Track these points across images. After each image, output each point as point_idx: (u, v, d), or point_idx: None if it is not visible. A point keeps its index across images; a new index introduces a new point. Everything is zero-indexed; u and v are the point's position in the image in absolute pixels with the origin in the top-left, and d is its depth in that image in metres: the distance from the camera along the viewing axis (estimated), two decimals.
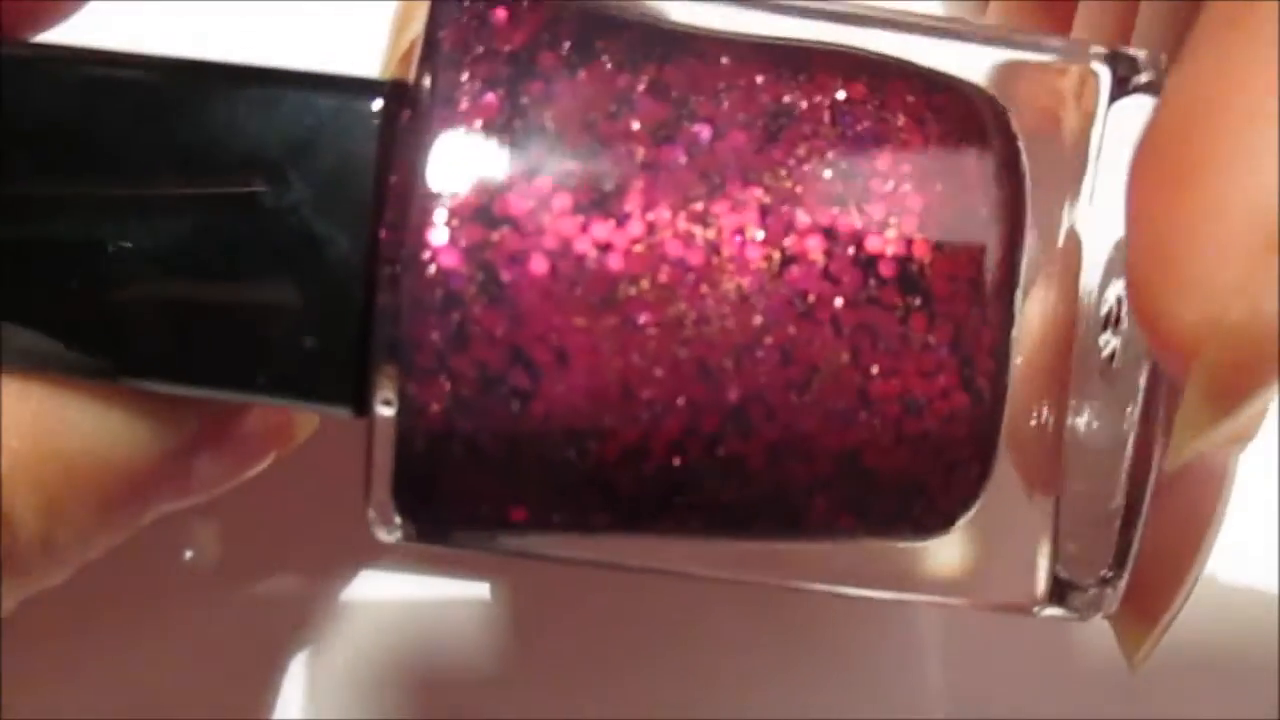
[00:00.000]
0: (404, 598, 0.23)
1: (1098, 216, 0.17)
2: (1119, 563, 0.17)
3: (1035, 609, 0.17)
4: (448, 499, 0.16)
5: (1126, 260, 0.13)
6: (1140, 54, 0.17)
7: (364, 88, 0.16)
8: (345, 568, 0.23)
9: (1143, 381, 0.16)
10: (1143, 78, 0.17)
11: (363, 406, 0.16)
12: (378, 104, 0.16)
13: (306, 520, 0.23)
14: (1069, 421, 0.17)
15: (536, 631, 0.23)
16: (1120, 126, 0.17)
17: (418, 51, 0.16)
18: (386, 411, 0.16)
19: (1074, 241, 0.17)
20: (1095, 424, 0.17)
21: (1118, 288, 0.17)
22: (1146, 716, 0.21)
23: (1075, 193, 0.17)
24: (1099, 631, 0.18)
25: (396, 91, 0.16)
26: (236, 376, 0.16)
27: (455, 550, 0.17)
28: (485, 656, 0.23)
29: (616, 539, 0.17)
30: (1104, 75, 0.17)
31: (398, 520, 0.16)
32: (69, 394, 0.16)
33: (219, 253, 0.15)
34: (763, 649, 0.23)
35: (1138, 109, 0.17)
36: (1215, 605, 0.19)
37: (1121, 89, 0.17)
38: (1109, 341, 0.17)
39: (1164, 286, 0.12)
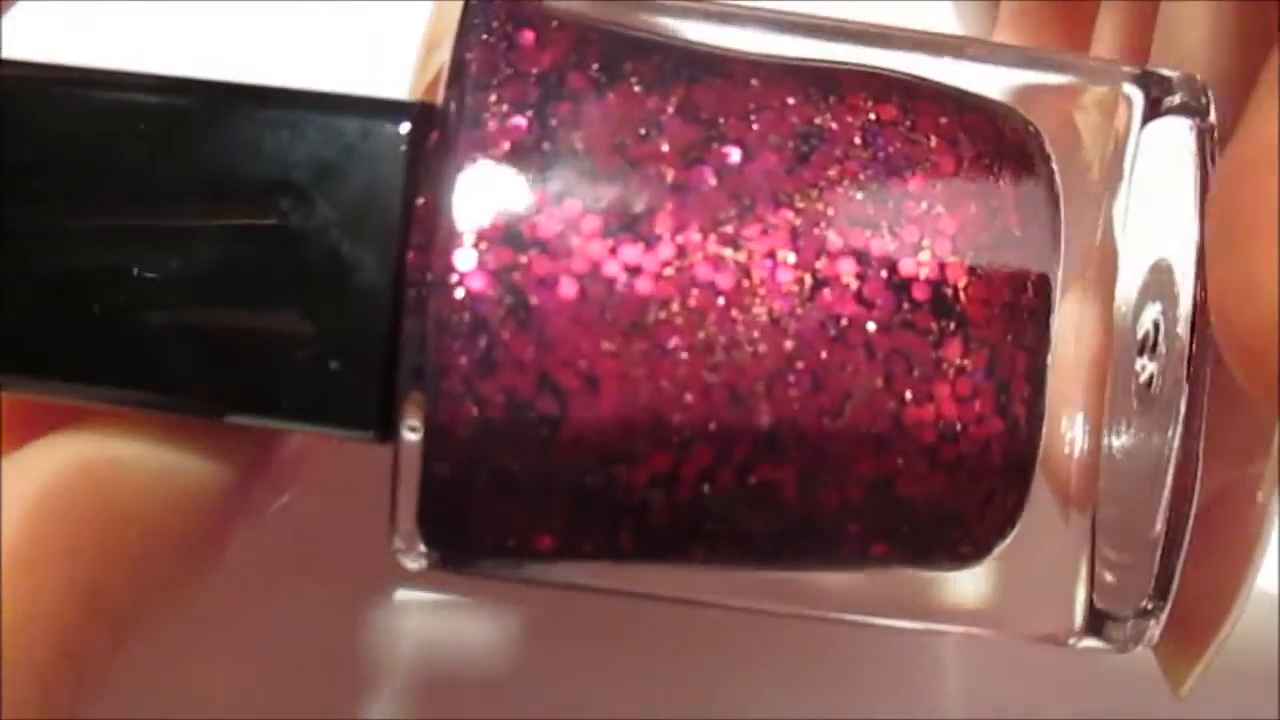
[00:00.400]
0: (419, 601, 0.23)
1: (1132, 239, 0.17)
2: (1160, 593, 0.16)
3: (1071, 641, 0.17)
4: (474, 527, 0.16)
5: (1209, 296, 0.14)
6: (1174, 74, 0.17)
7: (391, 110, 0.16)
8: (361, 576, 0.23)
9: (1183, 406, 0.16)
10: (1176, 99, 0.17)
11: (388, 432, 0.16)
12: (405, 127, 0.16)
13: (312, 529, 0.22)
14: (1105, 447, 0.17)
15: (548, 634, 0.23)
16: (1153, 148, 0.17)
17: (445, 74, 0.16)
18: (412, 438, 0.15)
19: (1108, 264, 0.17)
20: (1132, 449, 0.17)
21: (1154, 311, 0.17)
22: (1146, 716, 0.21)
23: (1109, 215, 0.17)
24: None
25: (424, 114, 0.16)
26: (261, 401, 0.16)
27: (482, 579, 0.16)
28: (495, 659, 0.23)
29: (646, 569, 0.17)
30: (1136, 97, 0.17)
31: (423, 549, 0.16)
32: (140, 445, 0.16)
33: (245, 276, 0.15)
34: (776, 650, 0.23)
35: (1171, 131, 0.17)
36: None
37: (1154, 110, 0.17)
38: (1145, 366, 0.17)
39: (1247, 330, 0.13)
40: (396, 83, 0.19)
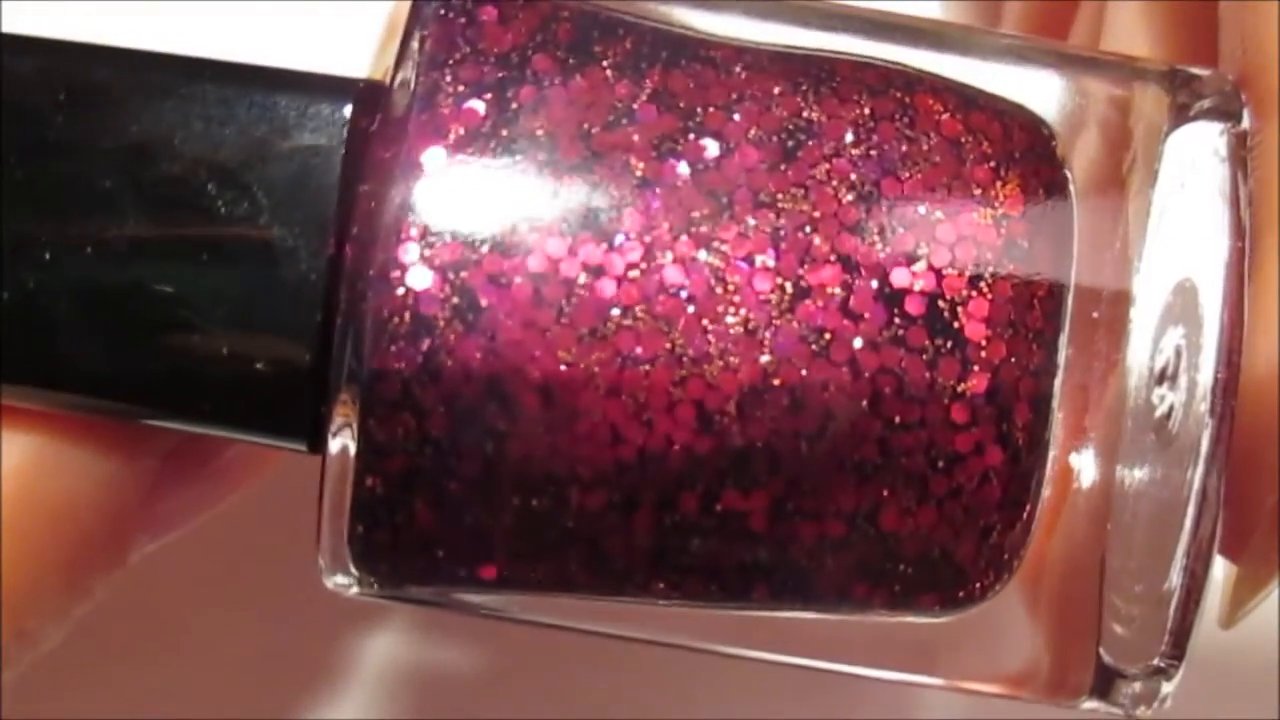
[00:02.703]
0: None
1: (1154, 256, 0.15)
2: (1175, 649, 0.15)
3: (1076, 700, 0.15)
4: (409, 551, 0.14)
5: None
6: (1204, 73, 0.15)
7: (334, 87, 0.14)
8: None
9: (1206, 443, 0.14)
10: (1205, 103, 0.15)
11: (318, 442, 0.14)
12: (348, 105, 0.14)
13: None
14: (1116, 485, 0.15)
15: (537, 643, 0.22)
16: (1180, 156, 0.15)
17: (395, 49, 0.15)
18: (342, 449, 0.14)
19: (1127, 283, 0.15)
20: (1146, 489, 0.15)
21: (1176, 336, 0.15)
22: (1146, 717, 0.19)
23: (1128, 229, 0.15)
24: None
25: (370, 93, 0.14)
26: (180, 403, 0.14)
27: (418, 607, 0.15)
28: (486, 662, 0.22)
29: (600, 603, 0.15)
30: (1162, 99, 0.16)
31: (352, 572, 0.15)
32: (51, 444, 0.15)
33: (163, 264, 0.14)
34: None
35: (1199, 137, 0.15)
36: (1215, 605, 0.18)
37: (1182, 115, 0.16)
38: (1165, 397, 0.15)
39: None
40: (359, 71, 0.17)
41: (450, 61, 0.14)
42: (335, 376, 0.14)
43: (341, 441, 0.14)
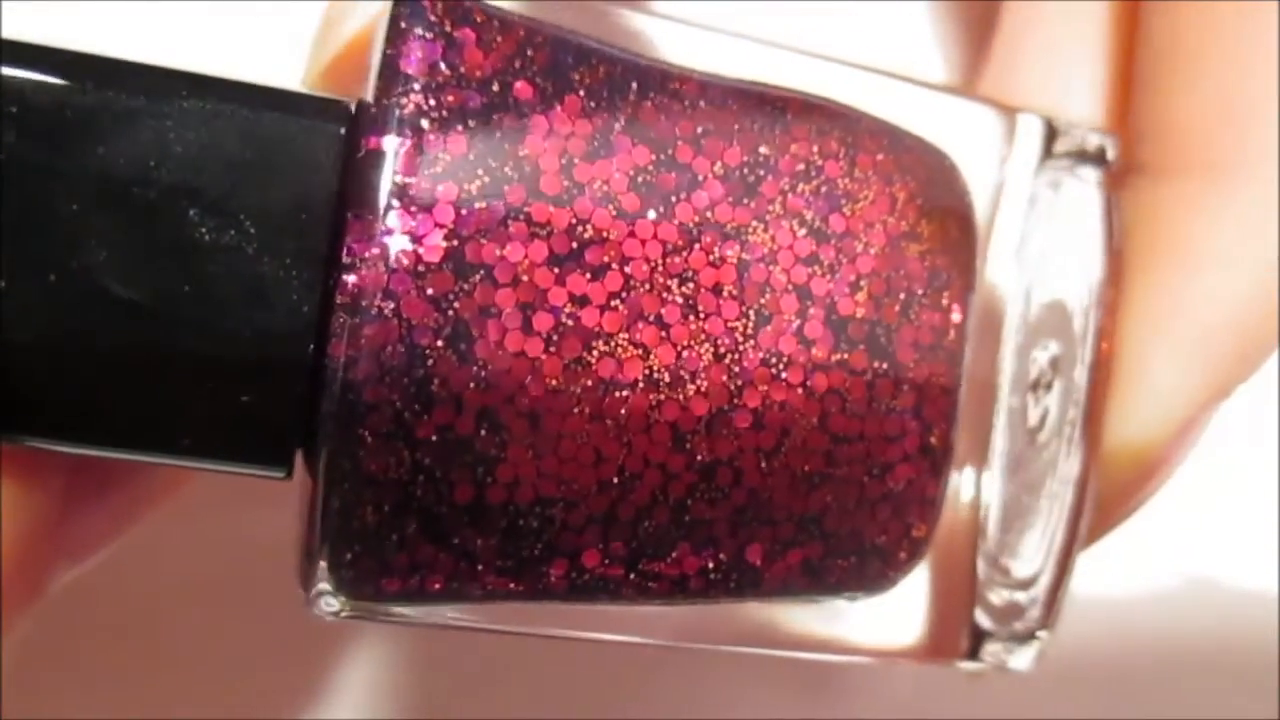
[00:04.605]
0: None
1: (1024, 277, 0.18)
2: (1044, 621, 0.17)
3: (957, 661, 0.18)
4: (398, 574, 0.15)
5: None
6: (1064, 122, 0.18)
7: (321, 109, 0.14)
8: None
9: (1078, 446, 0.17)
10: (1068, 145, 0.18)
11: (295, 470, 0.14)
12: (339, 129, 0.14)
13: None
14: (991, 483, 0.17)
15: (520, 645, 0.22)
16: (1051, 191, 0.18)
17: (374, 69, 0.14)
18: (334, 479, 0.14)
19: (997, 303, 0.17)
20: (1018, 485, 0.18)
21: (1053, 349, 0.17)
22: (1147, 716, 0.21)
23: (1000, 252, 0.18)
24: (1098, 631, 0.18)
25: (358, 116, 0.14)
26: (155, 438, 0.14)
27: (402, 625, 0.15)
28: (471, 664, 0.22)
29: (573, 611, 0.16)
30: (1032, 139, 0.18)
31: (338, 596, 0.15)
32: None
33: (141, 294, 0.13)
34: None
35: (1068, 176, 0.18)
36: (1215, 605, 0.19)
37: (1048, 154, 0.18)
38: (1039, 402, 0.17)
39: None
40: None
41: (433, 85, 0.14)
42: (327, 410, 0.14)
43: (332, 474, 0.14)
